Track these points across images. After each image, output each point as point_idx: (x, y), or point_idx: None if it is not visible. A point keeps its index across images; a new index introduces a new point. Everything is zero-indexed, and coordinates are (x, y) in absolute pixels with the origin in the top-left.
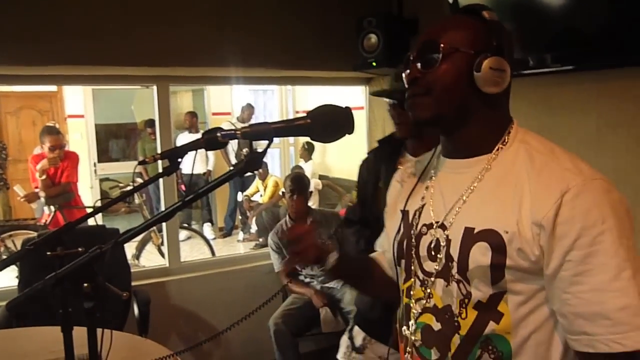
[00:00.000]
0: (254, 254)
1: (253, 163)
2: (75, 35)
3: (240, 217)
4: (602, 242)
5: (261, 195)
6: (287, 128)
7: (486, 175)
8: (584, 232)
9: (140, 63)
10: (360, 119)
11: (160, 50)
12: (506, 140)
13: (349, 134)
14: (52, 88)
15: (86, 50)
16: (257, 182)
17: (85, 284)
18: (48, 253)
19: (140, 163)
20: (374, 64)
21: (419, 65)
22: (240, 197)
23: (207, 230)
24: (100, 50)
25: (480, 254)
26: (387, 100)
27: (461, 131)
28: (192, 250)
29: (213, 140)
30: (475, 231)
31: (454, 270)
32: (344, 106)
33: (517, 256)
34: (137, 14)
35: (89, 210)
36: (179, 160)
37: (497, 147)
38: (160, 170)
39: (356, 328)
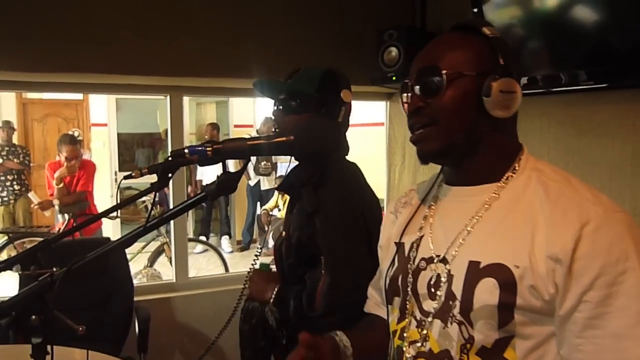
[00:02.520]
0: None
1: (226, 185)
2: (90, 43)
3: (258, 231)
4: (624, 282)
5: (279, 210)
6: (265, 145)
7: (494, 205)
8: (605, 270)
9: (154, 73)
10: (380, 136)
11: (173, 60)
12: (516, 168)
13: (345, 154)
14: (78, 96)
15: (101, 59)
16: (276, 197)
17: (34, 317)
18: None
19: (126, 177)
20: (394, 78)
21: (419, 92)
22: (259, 210)
23: (225, 243)
24: (115, 59)
25: (487, 292)
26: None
27: (469, 160)
28: (208, 264)
29: (181, 157)
30: (481, 265)
31: (456, 310)
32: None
33: (529, 294)
34: (150, 24)
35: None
36: (169, 175)
37: (506, 176)
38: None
39: None
